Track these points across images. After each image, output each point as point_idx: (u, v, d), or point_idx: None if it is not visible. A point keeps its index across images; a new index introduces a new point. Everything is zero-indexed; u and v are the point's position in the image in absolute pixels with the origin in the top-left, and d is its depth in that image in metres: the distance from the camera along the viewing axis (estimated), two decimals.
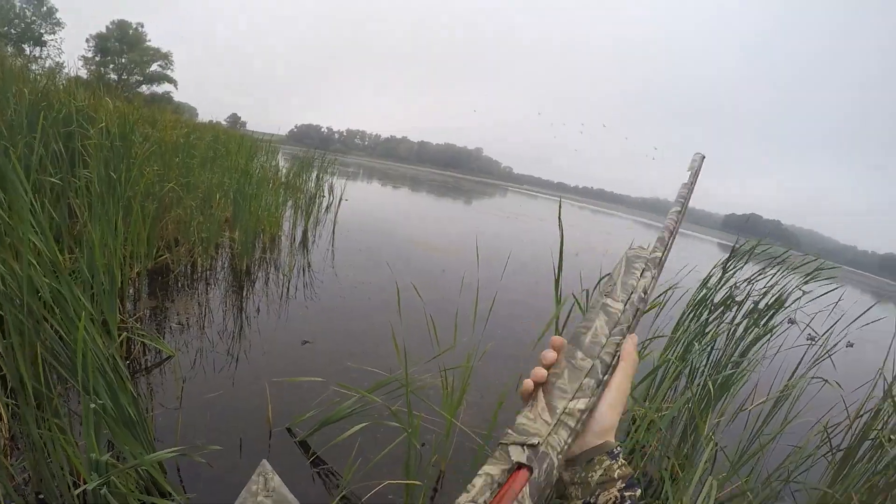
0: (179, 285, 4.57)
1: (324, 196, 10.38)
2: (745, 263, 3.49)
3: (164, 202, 4.94)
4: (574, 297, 2.31)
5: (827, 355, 2.75)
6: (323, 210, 10.29)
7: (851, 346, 3.07)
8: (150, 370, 3.07)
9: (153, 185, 4.47)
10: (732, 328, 3.19)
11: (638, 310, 0.66)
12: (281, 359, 3.58)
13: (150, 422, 2.04)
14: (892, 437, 2.16)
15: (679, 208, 0.83)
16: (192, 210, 5.17)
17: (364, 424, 2.56)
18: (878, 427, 2.24)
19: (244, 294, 4.82)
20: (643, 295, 0.67)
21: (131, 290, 3.99)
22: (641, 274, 0.69)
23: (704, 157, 0.94)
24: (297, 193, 9.49)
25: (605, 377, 0.58)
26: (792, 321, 3.15)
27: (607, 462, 0.54)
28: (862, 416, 2.37)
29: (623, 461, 0.55)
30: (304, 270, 6.11)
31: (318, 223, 9.37)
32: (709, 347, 2.99)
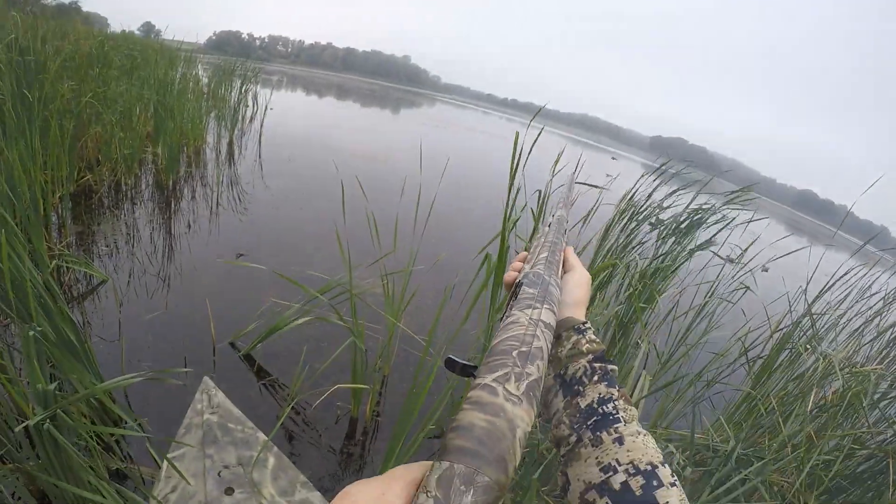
0: (104, 207, 4.35)
1: (247, 106, 9.83)
2: (667, 184, 3.59)
3: (83, 119, 4.61)
4: (531, 210, 2.37)
5: (746, 273, 2.85)
6: (247, 121, 9.83)
7: (766, 270, 3.17)
8: (83, 298, 2.97)
9: (70, 101, 4.15)
10: (659, 242, 3.29)
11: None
12: (215, 274, 3.57)
13: (90, 348, 2.00)
14: (808, 346, 2.32)
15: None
16: (112, 126, 4.84)
17: (307, 319, 2.66)
18: (797, 338, 2.42)
19: (172, 211, 4.68)
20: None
21: (55, 217, 3.78)
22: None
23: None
24: (221, 104, 8.96)
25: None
26: (714, 252, 3.08)
27: (574, 337, 0.57)
28: (781, 329, 2.54)
29: (592, 337, 0.57)
30: (232, 183, 5.96)
31: (243, 134, 9.00)
32: (638, 257, 3.05)
